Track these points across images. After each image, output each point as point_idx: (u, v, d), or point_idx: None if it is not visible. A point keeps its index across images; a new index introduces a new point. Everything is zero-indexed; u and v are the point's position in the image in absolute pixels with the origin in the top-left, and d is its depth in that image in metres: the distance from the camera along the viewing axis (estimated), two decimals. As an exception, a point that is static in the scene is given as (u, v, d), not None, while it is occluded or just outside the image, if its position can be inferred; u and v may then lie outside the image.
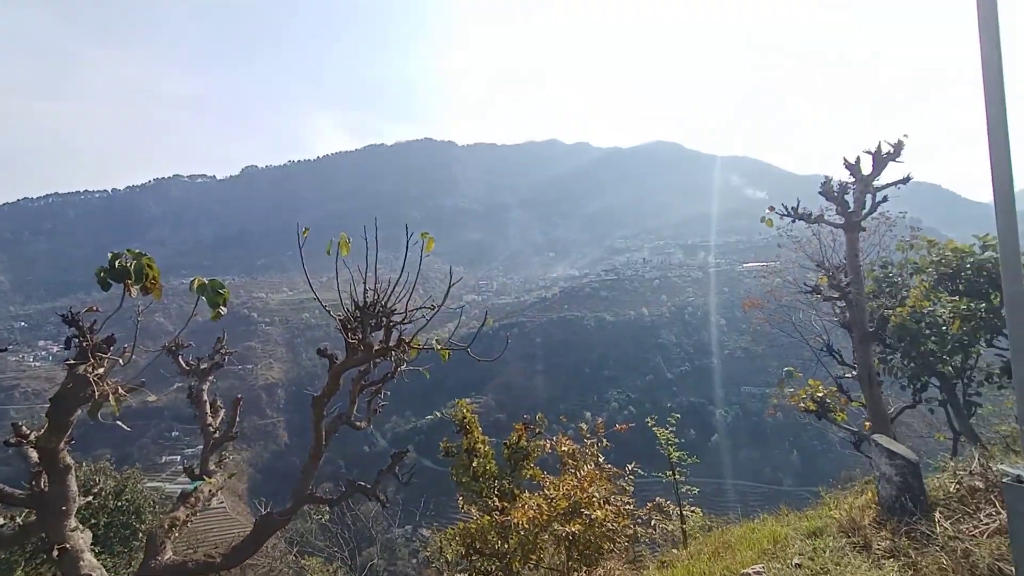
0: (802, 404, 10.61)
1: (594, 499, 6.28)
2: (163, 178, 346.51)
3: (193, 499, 3.82)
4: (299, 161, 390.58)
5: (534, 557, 7.11)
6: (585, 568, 5.95)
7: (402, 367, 4.70)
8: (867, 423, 9.87)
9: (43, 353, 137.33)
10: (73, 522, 3.21)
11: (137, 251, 3.14)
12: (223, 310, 3.38)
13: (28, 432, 3.22)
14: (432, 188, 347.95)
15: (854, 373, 10.14)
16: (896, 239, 11.48)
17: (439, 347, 3.65)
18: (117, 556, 8.23)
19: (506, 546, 7.21)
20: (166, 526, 3.56)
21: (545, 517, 6.42)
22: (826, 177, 8.82)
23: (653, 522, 6.95)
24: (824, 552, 4.50)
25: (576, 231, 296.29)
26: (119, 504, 8.44)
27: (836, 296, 9.81)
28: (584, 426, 8.86)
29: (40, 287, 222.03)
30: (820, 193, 8.97)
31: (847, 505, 5.47)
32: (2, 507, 3.33)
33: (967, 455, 6.90)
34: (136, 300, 3.23)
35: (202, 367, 4.98)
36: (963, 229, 10.02)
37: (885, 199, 8.49)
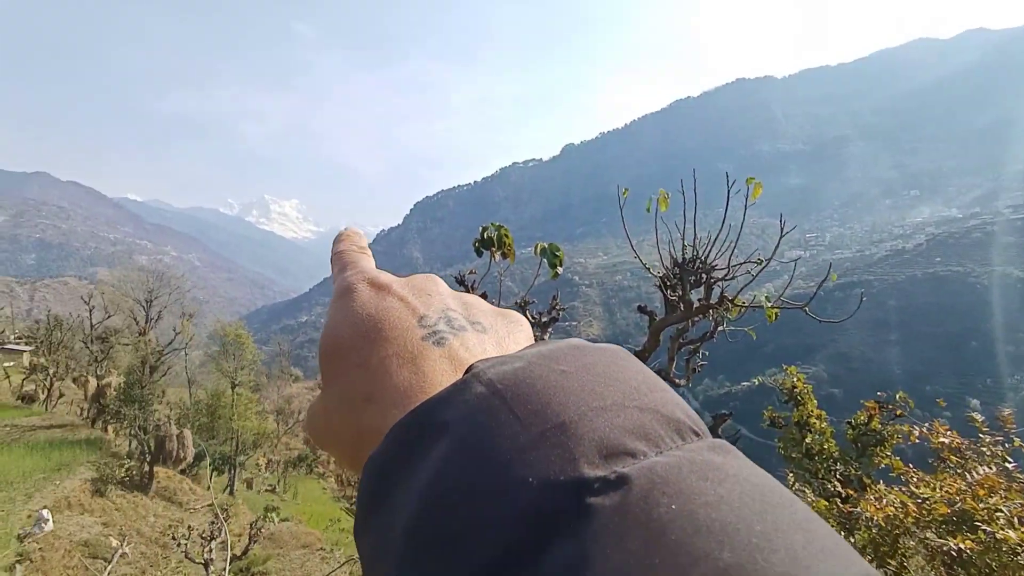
0: None
1: (998, 513, 4.68)
2: (505, 167, 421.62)
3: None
4: (609, 131, 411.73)
5: (892, 563, 5.87)
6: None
7: (722, 327, 4.48)
8: None
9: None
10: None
11: (497, 224, 3.93)
12: (560, 270, 3.91)
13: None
14: (744, 135, 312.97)
15: None
16: None
17: (768, 304, 3.32)
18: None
19: (851, 539, 6.19)
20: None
21: (912, 519, 5.18)
22: None
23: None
24: None
25: (951, 157, 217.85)
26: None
27: None
28: (977, 416, 6.62)
29: (437, 260, 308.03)
30: None
31: None
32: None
33: None
34: (498, 264, 4.07)
35: (543, 320, 5.93)
36: None
37: None
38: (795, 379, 8.14)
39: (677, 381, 4.99)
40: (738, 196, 3.51)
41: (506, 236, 3.75)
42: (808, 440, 7.79)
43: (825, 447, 7.93)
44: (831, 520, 6.75)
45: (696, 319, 4.37)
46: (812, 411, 8.03)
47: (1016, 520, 4.97)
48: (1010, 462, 6.08)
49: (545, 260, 3.94)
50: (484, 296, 4.16)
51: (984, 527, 4.87)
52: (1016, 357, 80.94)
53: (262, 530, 10.43)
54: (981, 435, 6.52)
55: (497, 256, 3.81)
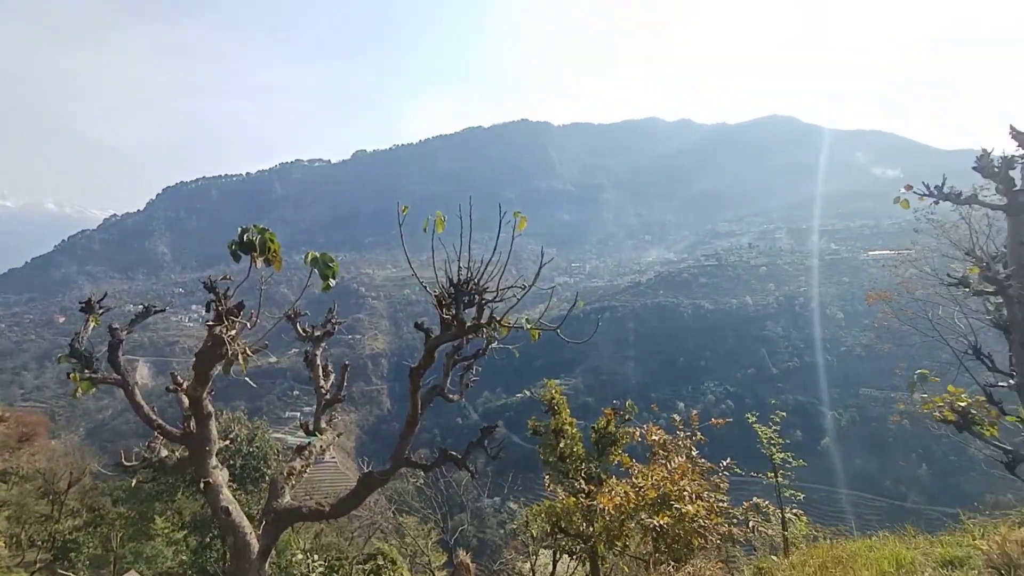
0: (937, 413, 9.29)
1: (685, 493, 6.04)
2: (287, 162, 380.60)
3: (307, 452, 4.25)
4: (403, 145, 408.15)
5: (619, 543, 7.04)
6: (673, 563, 5.77)
7: (493, 344, 4.78)
8: (1024, 440, 8.42)
9: (195, 315, 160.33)
10: (215, 461, 3.73)
11: (261, 227, 3.48)
12: (332, 282, 3.65)
13: (182, 382, 3.76)
14: (527, 169, 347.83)
15: (1011, 382, 8.66)
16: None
17: (529, 326, 3.66)
18: (249, 494, 9.56)
19: (591, 529, 7.21)
20: (285, 473, 3.99)
21: (632, 505, 6.30)
22: (983, 150, 7.43)
23: (751, 523, 6.51)
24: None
25: (674, 213, 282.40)
26: (251, 450, 9.78)
27: (990, 291, 8.37)
28: (677, 417, 8.52)
29: (193, 258, 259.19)
30: (975, 169, 7.60)
31: (999, 536, 4.73)
32: (168, 443, 3.92)
33: None
34: (262, 271, 3.61)
35: (316, 334, 5.46)
36: None
37: (1067, 175, 7.00)
38: (553, 391, 9.28)
39: (451, 397, 5.14)
40: (510, 226, 3.85)
41: (271, 241, 3.35)
42: (561, 445, 8.92)
43: (575, 450, 9.18)
44: (577, 515, 7.77)
45: (470, 337, 4.58)
46: (566, 419, 9.24)
47: (695, 496, 6.49)
48: (695, 451, 7.95)
49: (316, 271, 3.64)
50: (240, 306, 3.62)
51: (676, 504, 6.22)
52: (705, 369, 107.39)
53: None
54: (678, 432, 8.39)
55: (259, 262, 3.37)
